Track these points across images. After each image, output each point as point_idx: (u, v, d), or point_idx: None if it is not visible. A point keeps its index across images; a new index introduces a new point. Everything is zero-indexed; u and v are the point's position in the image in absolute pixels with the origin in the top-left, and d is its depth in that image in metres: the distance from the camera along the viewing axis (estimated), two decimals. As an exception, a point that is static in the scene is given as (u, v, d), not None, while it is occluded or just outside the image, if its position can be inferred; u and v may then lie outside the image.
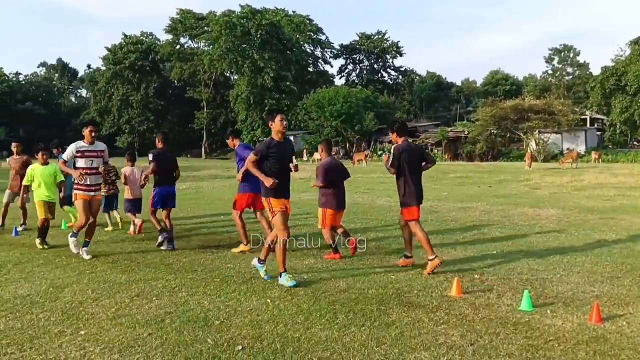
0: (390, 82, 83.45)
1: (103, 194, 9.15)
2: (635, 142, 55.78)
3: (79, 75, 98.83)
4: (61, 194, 8.91)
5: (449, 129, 54.95)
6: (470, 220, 10.84)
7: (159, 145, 8.55)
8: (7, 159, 10.85)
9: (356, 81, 78.53)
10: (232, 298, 5.36)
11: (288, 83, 60.57)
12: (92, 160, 7.39)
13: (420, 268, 6.58)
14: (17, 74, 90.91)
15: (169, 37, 73.27)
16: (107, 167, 9.31)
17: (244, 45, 60.07)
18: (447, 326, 4.49)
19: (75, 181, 7.33)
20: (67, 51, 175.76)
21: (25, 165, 9.81)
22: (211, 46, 64.21)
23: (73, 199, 7.60)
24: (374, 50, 78.87)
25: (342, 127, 53.11)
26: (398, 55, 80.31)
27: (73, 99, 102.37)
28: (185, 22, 70.67)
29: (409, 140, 6.98)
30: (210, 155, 67.39)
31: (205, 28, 67.58)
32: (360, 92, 57.09)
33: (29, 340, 4.27)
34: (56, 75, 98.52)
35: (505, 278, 6.06)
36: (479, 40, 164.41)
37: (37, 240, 8.26)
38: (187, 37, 72.70)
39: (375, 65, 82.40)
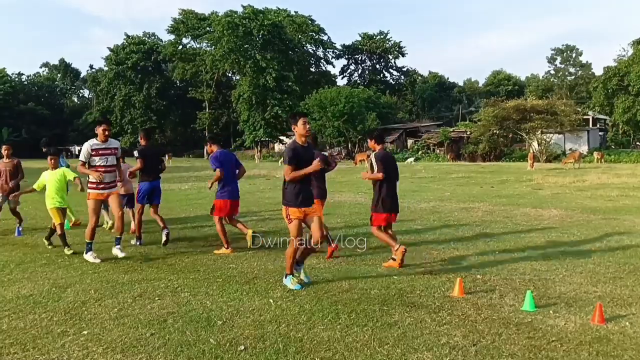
0: (393, 83, 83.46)
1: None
2: (638, 143, 55.72)
3: (82, 75, 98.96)
4: (79, 188, 8.78)
5: (451, 129, 54.97)
6: (472, 220, 10.83)
7: (142, 142, 8.78)
8: None
9: (358, 81, 78.62)
10: (234, 298, 5.36)
11: (290, 83, 60.56)
12: (106, 158, 7.30)
13: (423, 269, 6.59)
14: (20, 74, 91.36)
15: (172, 37, 73.51)
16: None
17: (246, 46, 60.09)
18: (450, 326, 4.48)
19: (90, 179, 7.26)
20: (69, 52, 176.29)
21: (17, 168, 9.72)
22: (213, 46, 64.26)
23: (87, 198, 7.42)
24: (376, 50, 78.86)
25: (344, 128, 53.15)
26: (400, 56, 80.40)
27: (75, 100, 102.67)
28: (188, 23, 70.82)
29: (386, 149, 7.39)
30: (212, 155, 67.34)
31: (208, 28, 67.66)
32: (363, 93, 57.14)
33: (32, 340, 4.28)
34: (58, 75, 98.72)
35: (507, 278, 6.06)
36: (481, 41, 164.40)
37: (46, 242, 8.37)
38: (190, 38, 72.87)
39: (378, 66, 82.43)
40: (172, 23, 71.80)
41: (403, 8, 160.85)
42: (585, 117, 52.74)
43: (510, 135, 48.67)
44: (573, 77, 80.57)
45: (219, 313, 4.88)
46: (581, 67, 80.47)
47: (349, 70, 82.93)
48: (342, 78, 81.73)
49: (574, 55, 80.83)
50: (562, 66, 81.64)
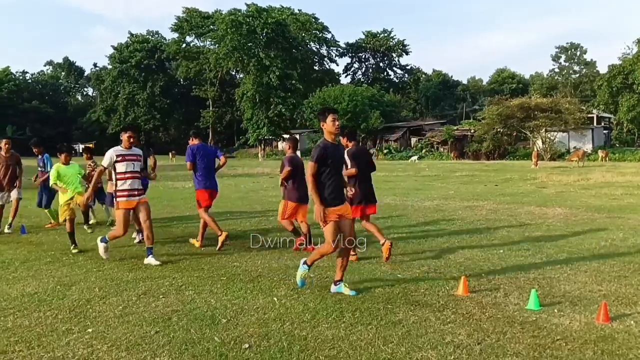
0: (396, 81, 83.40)
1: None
2: (642, 141, 55.49)
3: (86, 73, 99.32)
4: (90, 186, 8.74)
5: (455, 128, 54.90)
6: (476, 219, 10.81)
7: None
8: None
9: (362, 79, 78.57)
10: (238, 296, 5.37)
11: (294, 81, 60.62)
12: (133, 164, 7.15)
13: (427, 267, 6.58)
14: (24, 72, 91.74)
15: (175, 35, 73.62)
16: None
17: (249, 44, 60.18)
18: (454, 325, 4.48)
19: (118, 187, 7.06)
20: (73, 50, 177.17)
21: (17, 162, 9.76)
22: (217, 45, 64.39)
23: (115, 208, 7.20)
24: (379, 48, 78.81)
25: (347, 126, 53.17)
26: (404, 54, 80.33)
27: (79, 98, 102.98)
28: (191, 21, 70.91)
29: (359, 145, 7.71)
30: (215, 153, 67.50)
31: (211, 27, 67.79)
32: (366, 91, 57.14)
33: (37, 338, 4.29)
34: (62, 74, 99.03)
35: (512, 277, 6.04)
36: (486, 39, 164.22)
37: (72, 247, 7.98)
38: (193, 36, 72.98)
39: (381, 64, 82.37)
40: (176, 21, 71.93)
41: (407, 6, 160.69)
42: (589, 115, 52.64)
43: (515, 134, 48.61)
44: (577, 75, 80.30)
45: (223, 311, 4.89)
46: (586, 65, 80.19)
47: (352, 69, 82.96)
48: (346, 76, 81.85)
49: (578, 53, 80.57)
50: (567, 64, 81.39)
